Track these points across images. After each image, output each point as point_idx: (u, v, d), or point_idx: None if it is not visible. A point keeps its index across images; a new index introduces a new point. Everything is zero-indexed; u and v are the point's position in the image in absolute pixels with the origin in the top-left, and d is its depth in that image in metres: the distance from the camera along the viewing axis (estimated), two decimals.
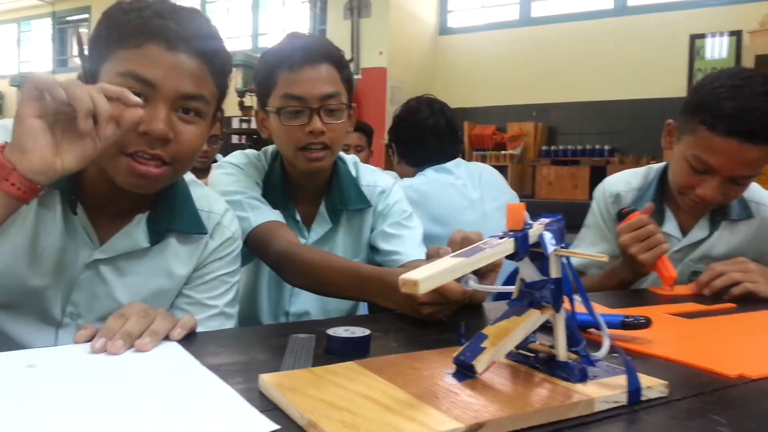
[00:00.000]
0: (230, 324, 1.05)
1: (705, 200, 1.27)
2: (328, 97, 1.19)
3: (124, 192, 0.91)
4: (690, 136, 1.25)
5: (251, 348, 0.79)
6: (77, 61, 8.15)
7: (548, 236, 0.61)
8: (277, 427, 0.49)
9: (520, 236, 0.60)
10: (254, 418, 0.51)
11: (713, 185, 1.24)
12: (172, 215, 0.98)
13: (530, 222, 0.62)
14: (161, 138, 0.86)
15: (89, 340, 0.72)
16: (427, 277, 0.52)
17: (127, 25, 0.87)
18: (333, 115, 1.21)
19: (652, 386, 0.60)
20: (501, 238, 0.61)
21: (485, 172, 1.98)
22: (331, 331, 0.73)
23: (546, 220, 0.64)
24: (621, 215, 1.27)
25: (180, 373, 0.64)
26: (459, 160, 1.95)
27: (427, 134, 1.92)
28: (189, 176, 1.05)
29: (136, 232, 0.96)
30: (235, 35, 6.64)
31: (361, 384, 0.58)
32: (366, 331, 0.74)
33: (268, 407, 0.54)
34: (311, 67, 1.18)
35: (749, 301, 1.14)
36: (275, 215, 1.22)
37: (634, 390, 0.58)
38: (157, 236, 0.97)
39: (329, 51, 1.22)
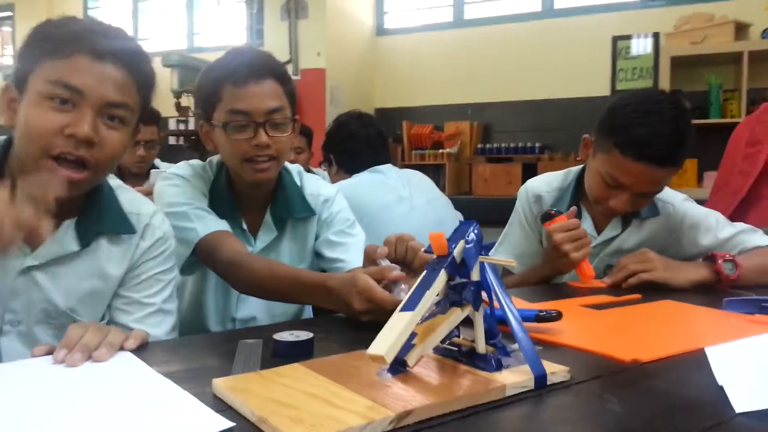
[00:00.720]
0: (170, 320, 1.11)
1: (615, 211, 1.42)
2: (273, 112, 1.24)
3: None
4: (604, 155, 1.37)
5: (201, 355, 0.85)
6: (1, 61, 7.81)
7: (471, 252, 0.71)
8: (232, 424, 0.56)
9: (449, 264, 0.70)
10: (210, 417, 0.58)
11: (623, 199, 1.37)
12: (99, 218, 1.03)
13: (451, 245, 0.71)
14: (86, 140, 0.92)
15: (47, 354, 0.77)
16: (390, 347, 0.62)
17: (58, 37, 0.93)
18: (278, 128, 1.26)
19: (556, 372, 0.70)
20: (430, 266, 0.71)
21: (415, 175, 2.20)
22: (277, 336, 0.80)
23: (466, 234, 0.73)
24: (548, 216, 1.37)
25: (136, 380, 0.70)
26: (390, 165, 2.14)
27: (361, 144, 2.12)
28: (116, 182, 1.10)
29: (65, 237, 1.00)
30: (170, 35, 6.52)
31: (305, 383, 0.65)
32: (309, 335, 0.81)
33: (222, 408, 0.61)
34: (256, 83, 1.23)
35: (654, 291, 1.27)
36: (222, 225, 1.27)
37: (539, 376, 0.68)
38: (86, 240, 1.02)
39: (273, 66, 1.27)
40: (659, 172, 1.32)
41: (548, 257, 1.38)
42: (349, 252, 1.37)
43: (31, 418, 0.58)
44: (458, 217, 2.24)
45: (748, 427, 0.59)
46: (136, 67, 0.99)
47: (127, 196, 1.09)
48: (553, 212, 1.36)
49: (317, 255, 1.41)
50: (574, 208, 1.41)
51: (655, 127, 1.30)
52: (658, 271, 1.29)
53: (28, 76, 0.94)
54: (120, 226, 1.05)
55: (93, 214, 1.03)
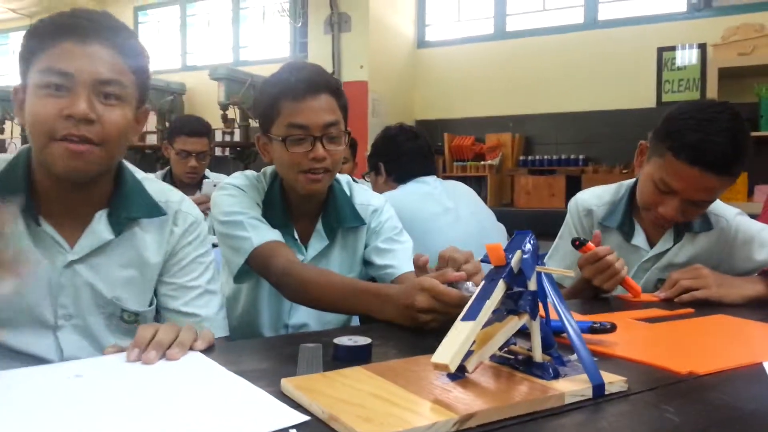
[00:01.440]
0: (216, 299, 1.18)
1: (665, 218, 1.39)
2: (329, 126, 1.29)
3: (74, 188, 1.02)
4: (658, 159, 1.37)
5: (264, 357, 0.89)
6: None
7: (528, 263, 0.73)
8: (308, 417, 0.60)
9: (507, 273, 0.72)
10: (287, 411, 0.61)
11: (673, 205, 1.36)
12: (129, 205, 1.09)
13: (508, 255, 0.73)
14: (83, 117, 0.95)
15: (118, 352, 0.82)
16: (454, 356, 0.64)
17: (46, 31, 0.99)
18: (333, 141, 1.31)
19: (614, 382, 0.71)
20: (489, 276, 0.73)
21: (458, 186, 2.27)
22: (337, 341, 0.83)
23: (522, 244, 0.75)
24: (575, 245, 1.35)
25: (210, 378, 0.74)
26: (435, 176, 2.20)
27: (410, 155, 2.18)
28: (141, 174, 1.16)
29: (99, 227, 1.07)
30: (216, 48, 6.70)
31: (368, 385, 0.68)
32: (368, 340, 0.84)
33: (292, 406, 0.64)
34: (313, 98, 1.27)
35: (708, 305, 1.26)
36: (275, 235, 1.31)
37: (597, 385, 0.69)
38: (119, 227, 1.08)
39: (328, 81, 1.32)
40: (711, 180, 1.31)
41: (587, 284, 1.37)
42: (397, 258, 1.40)
43: (111, 414, 0.63)
44: (501, 228, 2.25)
45: None
46: (123, 44, 1.01)
47: (154, 185, 1.15)
48: (577, 242, 1.34)
49: (366, 263, 1.45)
50: (597, 232, 1.40)
51: (711, 134, 1.29)
52: (711, 289, 1.28)
53: (27, 73, 1.00)
54: (150, 210, 1.11)
55: (123, 202, 1.09)
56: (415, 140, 2.20)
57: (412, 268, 1.35)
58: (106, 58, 0.99)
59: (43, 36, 0.98)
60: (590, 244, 1.33)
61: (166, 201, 1.14)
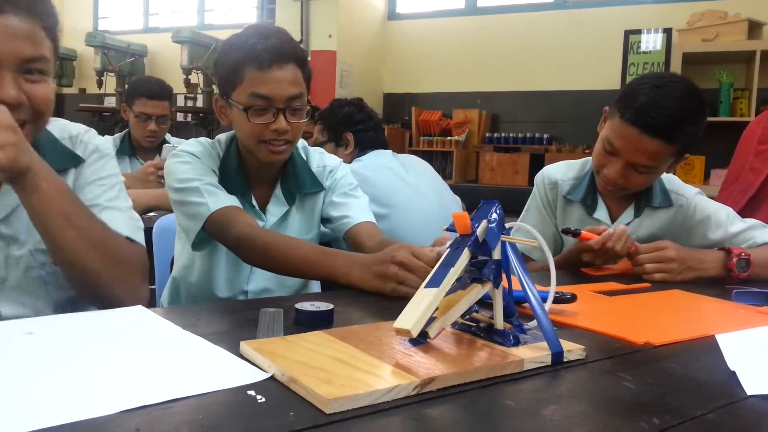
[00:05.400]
0: (120, 215, 1.07)
1: (608, 180, 1.44)
2: (294, 98, 1.26)
3: None
4: (610, 121, 1.43)
5: (223, 320, 0.87)
6: None
7: (493, 232, 0.73)
8: (270, 374, 0.60)
9: (472, 242, 0.72)
10: (247, 369, 0.60)
11: (616, 168, 1.41)
12: (44, 154, 0.99)
13: (474, 224, 0.73)
14: (15, 104, 0.89)
15: None
16: (416, 321, 0.64)
17: None
18: (296, 114, 1.28)
19: (572, 350, 0.72)
20: (453, 244, 0.73)
21: (414, 159, 2.25)
22: (299, 305, 0.82)
23: (488, 213, 0.74)
24: (568, 232, 1.38)
25: (167, 337, 0.72)
26: (390, 150, 2.19)
27: (370, 125, 2.18)
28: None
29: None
30: (180, 11, 6.50)
31: (330, 349, 0.67)
32: (330, 305, 0.83)
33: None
34: (279, 68, 1.24)
35: (664, 281, 1.29)
36: (232, 200, 1.29)
37: (556, 353, 0.69)
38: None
39: (296, 51, 1.28)
40: (649, 142, 1.34)
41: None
42: (352, 209, 1.41)
43: (67, 371, 0.60)
44: (458, 201, 2.26)
45: (761, 407, 0.61)
46: (41, 10, 0.93)
47: (56, 125, 1.09)
48: (570, 233, 1.36)
49: (324, 221, 1.46)
50: (605, 227, 1.39)
51: (659, 98, 1.33)
52: (673, 275, 1.30)
53: None
54: (62, 158, 1.06)
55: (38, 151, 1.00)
56: (365, 111, 2.19)
57: (368, 219, 1.39)
58: (26, 30, 0.90)
59: None
60: (584, 232, 1.35)
61: (69, 137, 1.09)
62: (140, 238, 1.08)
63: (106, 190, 1.09)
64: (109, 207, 1.07)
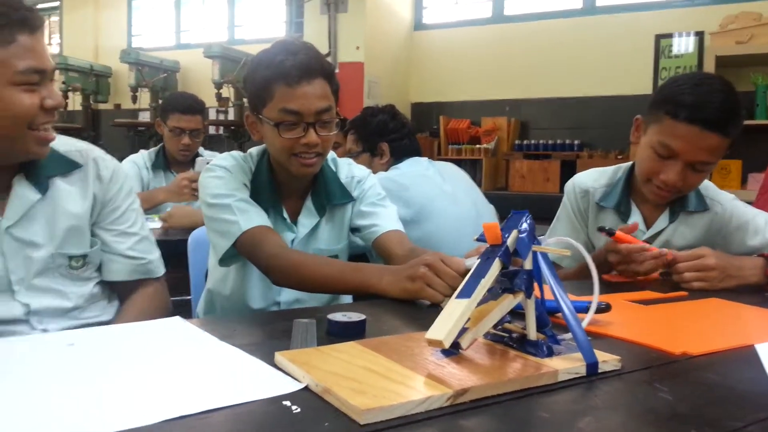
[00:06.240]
0: (153, 244, 1.30)
1: (668, 184, 1.39)
2: (323, 112, 1.28)
3: None
4: (656, 126, 1.39)
5: (257, 332, 0.88)
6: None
7: (524, 242, 0.72)
8: (302, 385, 0.60)
9: (503, 252, 0.72)
10: (283, 380, 0.61)
11: (676, 170, 1.37)
12: (45, 164, 1.13)
13: (505, 234, 0.73)
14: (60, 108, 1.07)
15: None
16: (448, 332, 0.64)
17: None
18: (326, 126, 1.30)
19: (607, 360, 0.71)
20: (484, 254, 0.73)
21: (450, 167, 2.24)
22: (331, 316, 0.83)
23: (519, 223, 0.74)
24: (602, 230, 1.35)
25: (205, 348, 0.73)
26: (426, 158, 2.18)
27: (404, 133, 2.17)
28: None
29: (20, 189, 1.10)
30: (211, 27, 6.62)
31: (362, 359, 0.67)
32: (362, 316, 0.84)
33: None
34: (308, 83, 1.26)
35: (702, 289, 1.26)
36: (263, 219, 1.31)
37: (591, 363, 0.69)
38: (42, 186, 1.12)
39: (323, 66, 1.31)
40: (710, 138, 1.32)
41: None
42: (380, 218, 1.43)
43: (106, 382, 0.62)
44: (493, 210, 2.25)
45: None
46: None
47: (59, 140, 1.16)
48: (605, 232, 1.34)
49: (352, 230, 1.48)
50: (635, 223, 1.40)
51: (704, 95, 1.32)
52: (713, 283, 1.27)
53: None
54: (66, 165, 1.16)
55: (36, 163, 1.12)
56: (398, 119, 2.18)
57: (397, 228, 1.41)
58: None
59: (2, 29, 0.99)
60: (619, 233, 1.33)
61: (77, 150, 1.19)
62: None
63: (137, 216, 1.26)
64: (145, 237, 1.27)
